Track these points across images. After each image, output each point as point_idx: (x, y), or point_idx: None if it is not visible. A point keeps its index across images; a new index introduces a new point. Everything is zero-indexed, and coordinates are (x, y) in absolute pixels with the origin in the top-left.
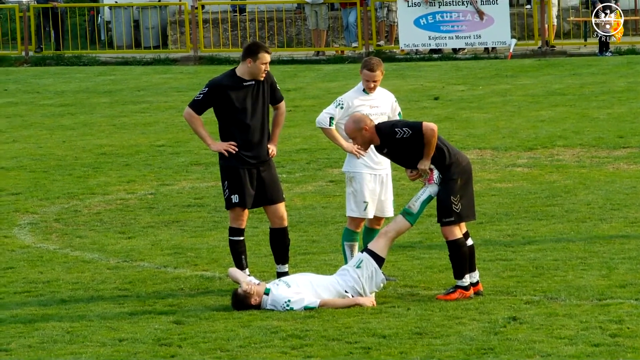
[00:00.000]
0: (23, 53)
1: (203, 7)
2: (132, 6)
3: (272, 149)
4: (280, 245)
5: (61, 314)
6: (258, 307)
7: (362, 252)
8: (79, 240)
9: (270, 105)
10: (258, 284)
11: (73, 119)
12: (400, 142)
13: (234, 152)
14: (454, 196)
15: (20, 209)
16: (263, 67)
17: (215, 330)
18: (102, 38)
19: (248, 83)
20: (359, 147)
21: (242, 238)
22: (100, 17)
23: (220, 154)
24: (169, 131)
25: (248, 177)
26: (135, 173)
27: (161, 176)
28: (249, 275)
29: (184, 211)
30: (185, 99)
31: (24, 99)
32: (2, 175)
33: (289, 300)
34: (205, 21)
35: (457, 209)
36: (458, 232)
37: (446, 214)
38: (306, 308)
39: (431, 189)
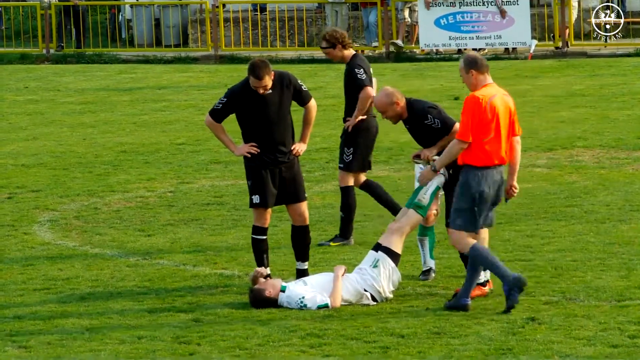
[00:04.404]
0: (44, 51)
1: (224, 5)
2: (153, 4)
3: (297, 148)
4: (300, 243)
5: (80, 311)
6: (275, 302)
7: (375, 250)
8: (98, 237)
9: (300, 106)
10: (275, 280)
11: (94, 117)
12: (425, 127)
13: (256, 152)
14: None
15: (40, 206)
16: (255, 88)
17: (234, 329)
18: (123, 36)
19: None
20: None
21: (264, 237)
22: (121, 15)
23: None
24: (189, 129)
25: (270, 177)
26: (155, 171)
27: (181, 174)
28: (268, 274)
29: (203, 209)
30: (205, 98)
31: (45, 96)
32: (23, 172)
33: (303, 297)
34: (226, 20)
35: None
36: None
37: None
38: (319, 307)
39: (438, 180)
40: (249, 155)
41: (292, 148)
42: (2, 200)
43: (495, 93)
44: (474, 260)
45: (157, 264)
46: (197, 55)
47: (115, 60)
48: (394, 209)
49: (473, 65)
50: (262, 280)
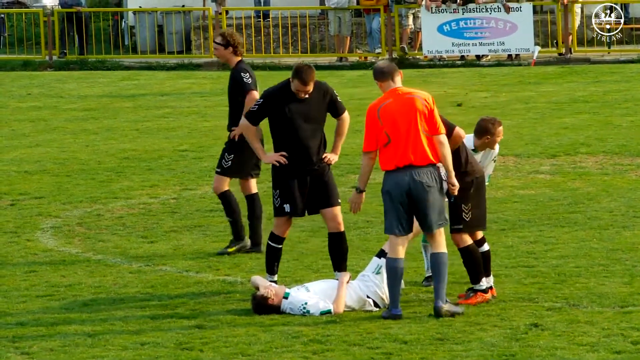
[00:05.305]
0: (47, 57)
1: (227, 12)
2: (156, 11)
3: (328, 157)
4: (336, 251)
5: (83, 318)
6: (278, 309)
7: (378, 256)
8: (101, 244)
9: (333, 117)
10: (278, 287)
11: (96, 124)
12: None
13: (284, 163)
14: (465, 204)
15: (43, 212)
16: (297, 92)
17: (237, 335)
18: (126, 43)
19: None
20: None
21: (280, 246)
22: (124, 22)
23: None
24: (192, 136)
25: (298, 187)
26: (158, 178)
27: (184, 181)
28: (275, 280)
29: (206, 216)
30: (208, 104)
31: (48, 103)
32: (26, 179)
33: (306, 303)
34: (229, 26)
35: (467, 218)
36: (468, 238)
37: (455, 221)
38: (322, 313)
39: None
40: (277, 164)
41: (323, 156)
42: (5, 207)
43: (389, 98)
44: (388, 271)
45: (160, 271)
46: (200, 62)
47: (118, 66)
48: (237, 235)
49: (375, 76)
50: (265, 287)
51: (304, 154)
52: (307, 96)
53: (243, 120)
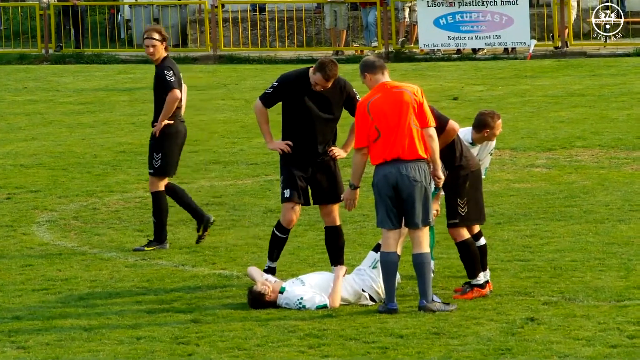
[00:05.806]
0: (43, 51)
1: (223, 6)
2: (152, 5)
3: (335, 151)
4: (332, 245)
5: (79, 312)
6: (274, 304)
7: (375, 251)
8: (97, 238)
9: (351, 115)
10: (274, 282)
11: (92, 117)
12: None
13: (288, 152)
14: (460, 198)
15: (39, 206)
16: (314, 85)
17: (233, 329)
18: (122, 36)
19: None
20: None
21: (284, 236)
22: (120, 15)
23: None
24: (188, 130)
25: (302, 175)
26: None
27: (180, 174)
28: (273, 267)
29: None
30: (204, 98)
31: (44, 96)
32: (21, 172)
33: (302, 298)
34: (225, 20)
35: (463, 212)
36: (465, 233)
37: (451, 216)
38: (318, 307)
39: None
40: (281, 152)
41: (330, 149)
42: (1, 201)
43: (378, 93)
44: (381, 265)
45: (156, 265)
46: (196, 56)
47: (114, 60)
48: (159, 236)
49: (365, 68)
50: (262, 283)
51: (308, 146)
52: (322, 89)
53: (257, 102)
